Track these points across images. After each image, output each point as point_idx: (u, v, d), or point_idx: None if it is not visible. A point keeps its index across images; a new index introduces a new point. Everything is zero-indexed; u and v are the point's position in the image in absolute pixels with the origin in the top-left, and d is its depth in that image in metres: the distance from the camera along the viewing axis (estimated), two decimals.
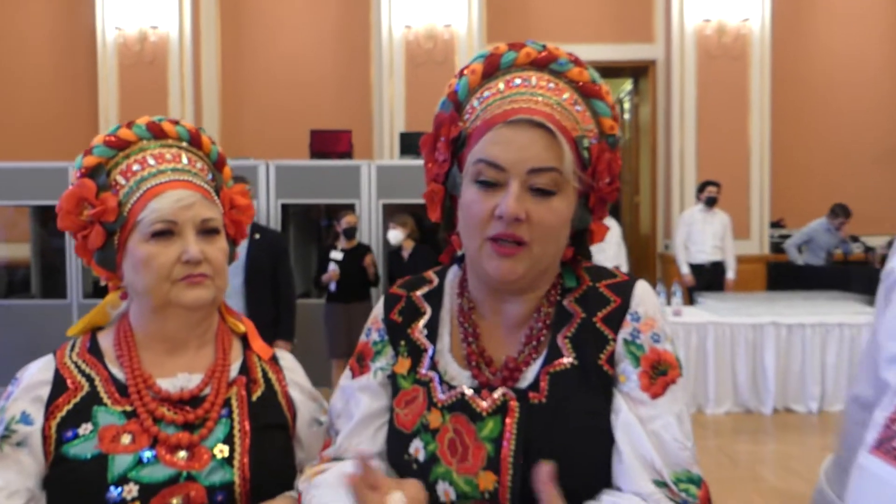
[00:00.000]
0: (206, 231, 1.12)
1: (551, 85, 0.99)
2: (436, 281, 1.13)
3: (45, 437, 1.05)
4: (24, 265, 6.98)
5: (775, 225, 8.11)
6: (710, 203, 6.83)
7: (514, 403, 0.96)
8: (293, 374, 1.25)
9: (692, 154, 7.76)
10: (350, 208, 6.13)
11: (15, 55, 7.98)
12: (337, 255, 5.53)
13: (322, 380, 5.66)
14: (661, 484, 0.91)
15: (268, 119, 8.11)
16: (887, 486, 0.70)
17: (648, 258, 8.53)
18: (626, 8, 8.14)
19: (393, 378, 1.06)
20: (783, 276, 7.57)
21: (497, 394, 0.97)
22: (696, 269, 6.87)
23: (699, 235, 6.86)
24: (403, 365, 1.05)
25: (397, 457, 1.01)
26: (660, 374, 0.97)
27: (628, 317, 1.00)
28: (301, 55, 8.14)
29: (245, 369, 1.18)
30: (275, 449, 1.14)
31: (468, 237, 0.99)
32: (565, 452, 0.92)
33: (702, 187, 6.92)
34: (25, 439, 1.04)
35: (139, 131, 1.15)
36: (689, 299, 6.73)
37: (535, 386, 0.97)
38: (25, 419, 1.05)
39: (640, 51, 8.18)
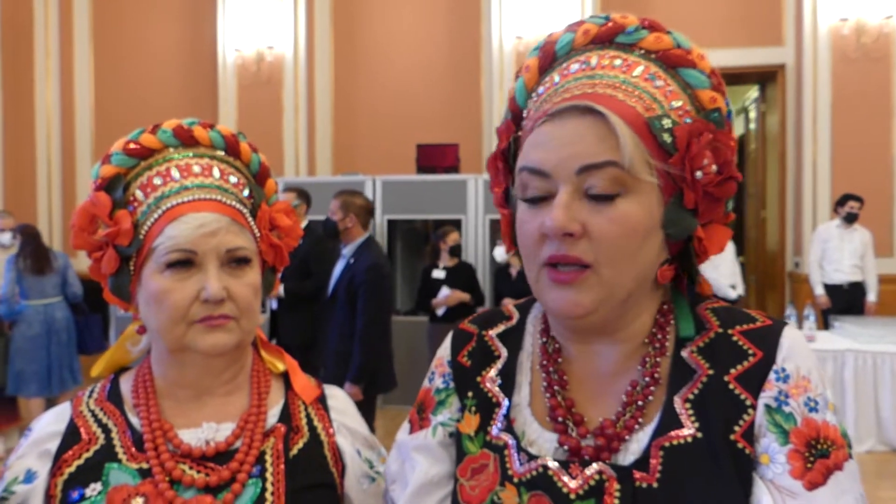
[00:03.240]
0: (233, 262, 0.94)
1: (617, 62, 0.80)
2: (515, 316, 0.92)
3: (49, 497, 0.91)
4: None
5: None
6: (851, 220, 6.23)
7: (613, 485, 0.73)
8: (343, 416, 1.06)
9: (826, 165, 7.13)
10: (456, 224, 6.02)
11: (144, 77, 8.43)
12: (439, 273, 5.42)
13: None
14: None
15: (378, 134, 8.15)
16: None
17: (776, 277, 7.92)
18: (753, 8, 7.62)
19: (458, 439, 0.85)
20: None
21: (591, 470, 0.75)
22: (831, 289, 6.27)
23: (836, 253, 6.27)
24: (470, 423, 0.84)
25: None
26: (819, 455, 0.72)
27: (772, 375, 0.75)
28: (411, 70, 8.14)
29: (286, 415, 1.01)
30: None
31: (526, 266, 0.80)
32: None
33: (842, 201, 6.33)
34: (25, 501, 0.90)
35: (165, 137, 0.98)
36: (824, 323, 6.16)
37: (642, 463, 0.74)
38: (28, 478, 0.92)
39: (768, 55, 7.63)
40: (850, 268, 6.26)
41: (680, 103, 0.78)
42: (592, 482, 0.74)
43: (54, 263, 5.60)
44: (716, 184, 0.76)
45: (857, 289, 6.27)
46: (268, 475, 0.94)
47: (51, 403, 5.71)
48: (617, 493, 0.73)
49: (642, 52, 0.81)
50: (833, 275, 6.29)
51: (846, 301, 6.23)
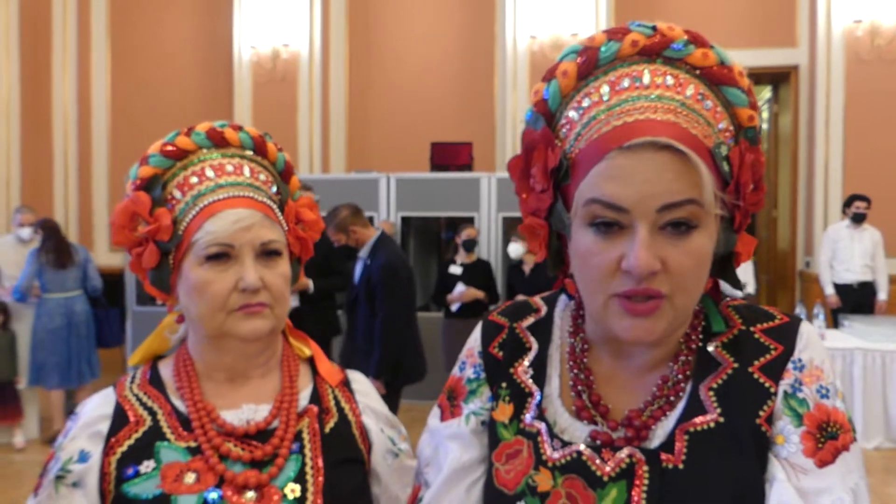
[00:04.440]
0: (267, 254, 1.02)
1: (669, 80, 0.78)
2: (544, 310, 0.95)
3: (104, 475, 0.98)
4: None
5: None
6: (858, 220, 6.27)
7: (642, 467, 0.78)
8: (367, 398, 1.14)
9: (838, 166, 7.15)
10: (469, 221, 6.08)
11: (161, 75, 8.53)
12: (456, 269, 5.48)
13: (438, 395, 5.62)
14: None
15: (392, 133, 8.22)
16: None
17: (787, 276, 7.95)
18: (766, 9, 7.65)
19: (492, 426, 0.90)
20: None
21: (622, 454, 0.80)
22: (842, 289, 6.31)
23: (846, 253, 6.30)
24: (504, 412, 0.89)
25: None
26: (829, 437, 0.78)
27: (790, 365, 0.81)
28: (426, 69, 8.21)
29: (316, 397, 1.08)
30: (350, 487, 1.04)
31: (588, 292, 0.80)
32: None
33: (849, 202, 6.37)
34: (81, 479, 0.97)
35: (198, 139, 1.05)
36: (834, 322, 6.20)
37: (668, 446, 0.79)
38: (83, 457, 0.99)
39: (781, 56, 7.65)
40: (861, 267, 6.30)
41: (724, 124, 0.80)
42: (623, 465, 0.79)
43: (76, 257, 5.70)
44: (754, 202, 0.80)
45: (867, 288, 6.31)
46: (306, 451, 1.01)
47: (70, 396, 5.81)
48: (646, 475, 0.78)
49: (688, 67, 0.79)
50: (843, 274, 6.32)
51: (856, 300, 6.27)
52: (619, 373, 0.86)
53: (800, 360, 0.81)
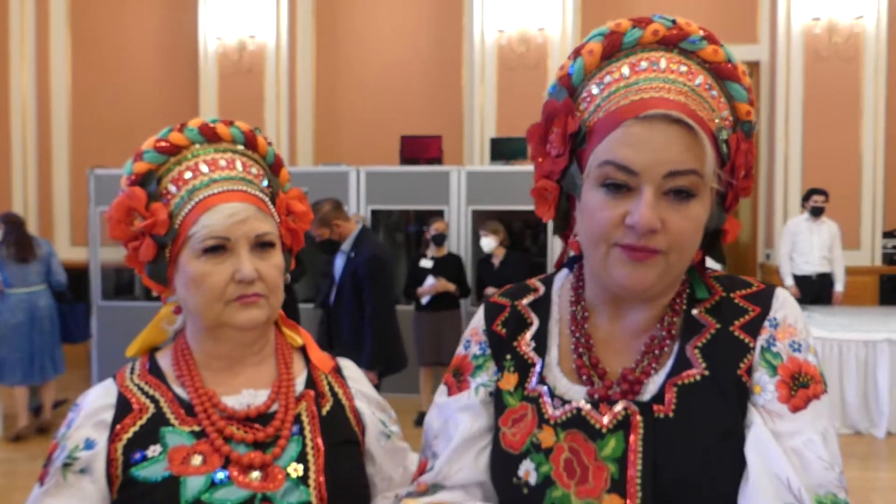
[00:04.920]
0: (261, 245, 1.05)
1: (683, 68, 0.88)
2: (541, 289, 1.03)
3: (111, 461, 1.00)
4: (130, 268, 7.28)
5: (888, 235, 7.59)
6: (816, 213, 6.47)
7: (637, 418, 0.86)
8: (358, 384, 1.18)
9: (797, 160, 7.35)
10: (439, 214, 6.11)
11: (123, 66, 8.38)
12: (427, 262, 5.52)
13: (411, 387, 5.66)
14: None
15: (360, 125, 8.21)
16: None
17: (748, 268, 8.15)
18: (729, 7, 7.80)
19: (498, 395, 0.97)
20: None
21: (618, 407, 0.88)
22: (801, 280, 6.50)
23: (805, 245, 6.50)
24: (510, 381, 0.96)
25: (504, 481, 0.92)
26: (801, 385, 0.86)
27: (766, 323, 0.89)
28: (394, 62, 8.20)
29: (311, 383, 1.13)
30: (348, 466, 1.08)
31: (591, 245, 0.88)
32: (697, 475, 0.83)
33: (807, 196, 6.56)
34: (88, 465, 1.00)
35: (191, 135, 1.07)
36: None
37: (659, 398, 0.87)
38: (89, 445, 1.01)
39: (743, 52, 7.81)
40: (819, 259, 6.49)
41: (726, 113, 0.89)
42: (620, 417, 0.87)
43: (38, 251, 5.59)
44: (744, 186, 0.90)
45: (826, 280, 6.51)
46: (306, 432, 1.06)
47: (34, 392, 5.71)
48: (641, 425, 0.86)
49: (699, 60, 0.89)
50: (802, 266, 6.52)
51: (815, 291, 6.46)
52: (614, 337, 0.94)
53: (774, 318, 0.89)
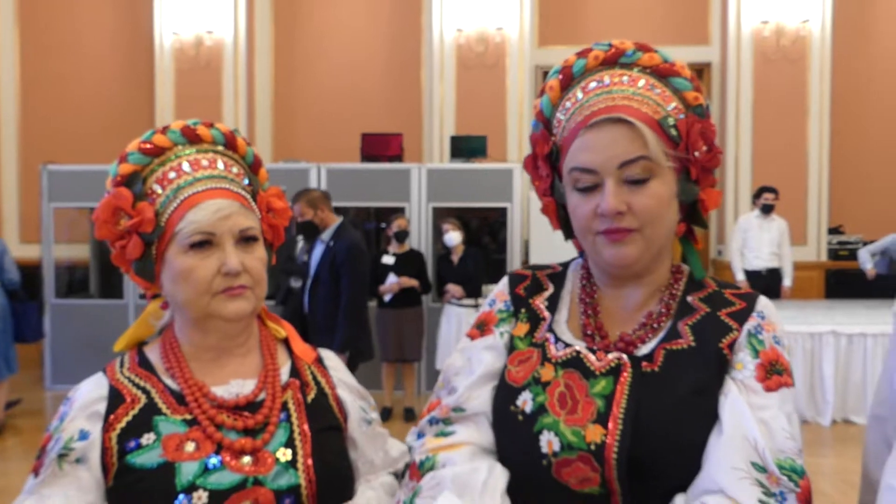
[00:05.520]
0: (245, 240, 1.10)
1: (625, 79, 1.03)
2: (559, 268, 1.19)
3: (105, 450, 1.04)
4: (84, 265, 7.17)
5: (834, 231, 7.88)
6: (767, 210, 6.69)
7: (627, 367, 1.00)
8: (339, 373, 1.24)
9: (747, 158, 7.58)
10: (400, 211, 6.15)
11: (76, 60, 8.21)
12: (388, 259, 5.54)
13: (373, 383, 5.68)
14: (759, 468, 0.91)
15: (320, 122, 8.19)
16: None
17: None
18: (681, 9, 8.00)
19: (510, 340, 1.11)
20: (841, 283, 7.36)
21: (612, 356, 1.02)
22: (751, 275, 6.71)
23: (755, 242, 6.72)
24: (522, 329, 1.11)
25: (503, 409, 1.04)
26: (775, 372, 0.99)
27: (754, 314, 1.03)
28: (353, 59, 8.20)
29: (296, 372, 1.18)
30: (334, 450, 1.14)
31: (581, 237, 1.06)
32: (671, 422, 0.96)
33: (758, 193, 6.78)
34: (84, 455, 1.03)
35: (174, 137, 1.12)
36: None
37: (649, 357, 1.01)
38: (83, 435, 1.04)
39: (695, 53, 8.02)
40: (768, 255, 6.72)
41: (674, 104, 1.03)
42: (612, 364, 1.01)
43: None
44: (707, 159, 1.03)
45: (775, 274, 6.73)
46: (293, 419, 1.11)
47: None
48: (629, 374, 1.00)
49: (640, 68, 1.04)
50: (753, 261, 6.73)
51: (764, 286, 6.65)
52: (617, 311, 1.09)
53: (762, 312, 1.04)
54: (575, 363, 1.03)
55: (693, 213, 1.08)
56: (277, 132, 8.27)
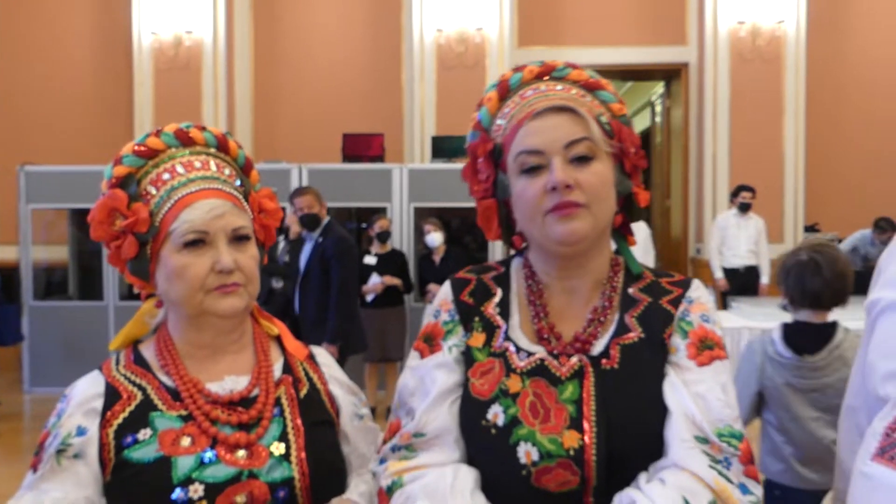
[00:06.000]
0: (237, 238, 1.13)
1: (559, 87, 1.12)
2: (501, 269, 1.21)
3: (103, 445, 1.07)
4: (62, 267, 7.11)
5: (809, 229, 7.99)
6: (744, 209, 6.79)
7: (588, 368, 1.04)
8: (331, 370, 1.27)
9: (725, 158, 7.68)
10: (381, 212, 6.16)
11: (53, 60, 8.13)
12: (371, 259, 5.56)
13: (356, 382, 5.68)
14: (702, 440, 0.98)
15: (300, 123, 8.17)
16: (891, 490, 0.80)
17: (680, 262, 8.46)
18: (659, 10, 8.08)
19: (467, 352, 1.12)
20: None
21: (573, 360, 1.06)
22: (729, 273, 6.81)
23: (733, 240, 6.81)
24: (478, 339, 1.12)
25: (473, 424, 1.06)
26: (706, 347, 1.05)
27: (684, 300, 1.10)
28: (333, 59, 8.19)
29: (288, 369, 1.21)
30: (326, 444, 1.16)
31: (529, 220, 1.09)
32: (638, 416, 1.01)
33: (736, 192, 6.87)
34: (82, 450, 1.06)
35: (168, 139, 1.15)
36: (723, 304, 6.67)
37: (605, 354, 1.06)
38: (81, 431, 1.07)
39: (673, 53, 8.11)
40: (746, 253, 6.81)
41: (602, 111, 1.12)
42: (575, 368, 1.05)
43: None
44: (637, 158, 1.13)
45: (752, 272, 6.83)
46: (286, 414, 1.14)
47: None
48: (592, 374, 1.04)
49: (570, 81, 1.14)
50: (731, 259, 6.83)
51: (742, 283, 6.77)
52: (565, 308, 1.13)
53: (690, 297, 1.11)
54: (540, 371, 1.06)
55: (628, 206, 1.15)
56: (258, 132, 8.25)
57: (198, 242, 1.09)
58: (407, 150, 7.90)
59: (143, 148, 1.14)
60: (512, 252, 1.24)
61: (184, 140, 1.16)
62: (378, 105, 8.10)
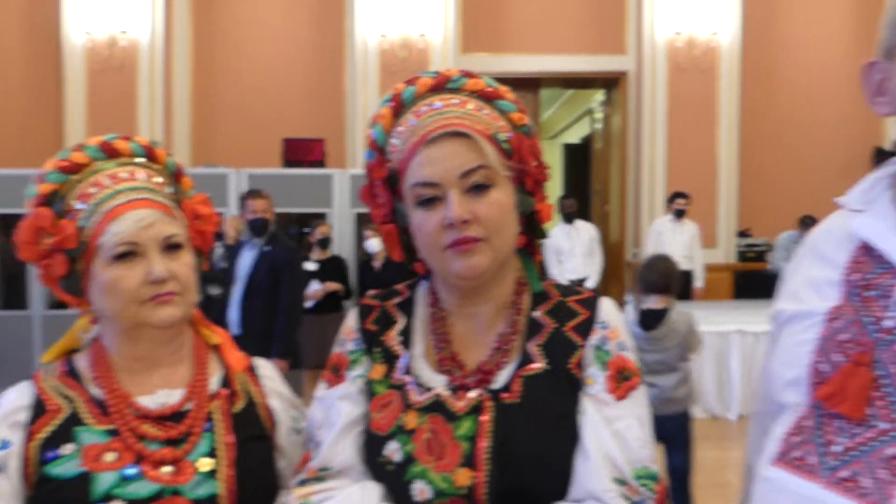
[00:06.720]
0: (170, 247, 1.11)
1: (455, 101, 1.06)
2: (407, 293, 1.17)
3: (26, 460, 1.04)
4: None
5: (742, 234, 8.25)
6: (679, 215, 6.96)
7: (488, 403, 1.01)
8: (272, 382, 1.25)
9: (662, 164, 7.86)
10: (322, 217, 6.12)
11: None
12: (311, 265, 5.52)
13: (295, 391, 5.63)
14: (620, 482, 0.97)
15: (240, 127, 8.05)
16: (790, 493, 0.82)
17: (618, 267, 8.61)
18: (599, 20, 8.23)
19: (368, 384, 1.09)
20: (749, 284, 7.70)
21: (472, 394, 1.03)
22: None
23: (668, 245, 6.94)
24: (378, 371, 1.09)
25: (372, 459, 1.04)
26: (624, 378, 1.04)
27: (597, 325, 1.07)
28: (274, 62, 8.10)
29: (226, 382, 1.19)
30: (258, 460, 1.15)
31: (429, 254, 1.05)
32: (536, 451, 0.99)
33: (671, 199, 7.04)
34: (3, 464, 1.04)
35: (91, 153, 1.13)
36: None
37: (507, 388, 1.03)
38: (4, 445, 1.05)
39: (612, 62, 8.27)
40: (681, 258, 6.92)
41: (502, 123, 1.07)
42: (474, 402, 1.02)
43: None
44: (538, 172, 1.09)
45: (687, 277, 6.97)
46: (217, 429, 1.12)
47: None
48: (491, 409, 1.01)
49: (467, 92, 1.08)
50: None
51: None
52: (469, 335, 1.10)
53: (604, 322, 1.08)
54: (437, 407, 1.03)
55: (531, 225, 1.12)
56: (196, 136, 8.10)
57: (128, 254, 1.07)
58: (349, 155, 7.86)
59: (66, 163, 1.11)
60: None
61: (108, 152, 1.13)
62: (320, 110, 8.04)
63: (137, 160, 1.16)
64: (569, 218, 6.93)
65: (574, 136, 13.55)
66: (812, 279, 0.96)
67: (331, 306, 5.56)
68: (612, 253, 8.84)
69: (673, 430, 3.38)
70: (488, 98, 1.08)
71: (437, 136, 1.01)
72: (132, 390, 1.12)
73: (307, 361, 5.51)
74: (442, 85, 1.08)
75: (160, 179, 1.16)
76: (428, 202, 1.02)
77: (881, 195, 0.92)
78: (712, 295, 7.29)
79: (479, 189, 1.01)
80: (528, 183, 1.08)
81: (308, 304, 5.47)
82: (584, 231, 6.96)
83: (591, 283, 6.78)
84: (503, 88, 1.10)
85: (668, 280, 3.50)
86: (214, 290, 4.98)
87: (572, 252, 6.81)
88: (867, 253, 0.90)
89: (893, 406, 0.79)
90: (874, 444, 0.78)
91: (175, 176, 1.21)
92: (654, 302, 3.45)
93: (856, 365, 0.83)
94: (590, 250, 6.88)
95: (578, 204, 7.40)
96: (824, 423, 0.83)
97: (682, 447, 3.49)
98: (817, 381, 0.86)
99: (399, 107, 1.08)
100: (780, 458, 0.86)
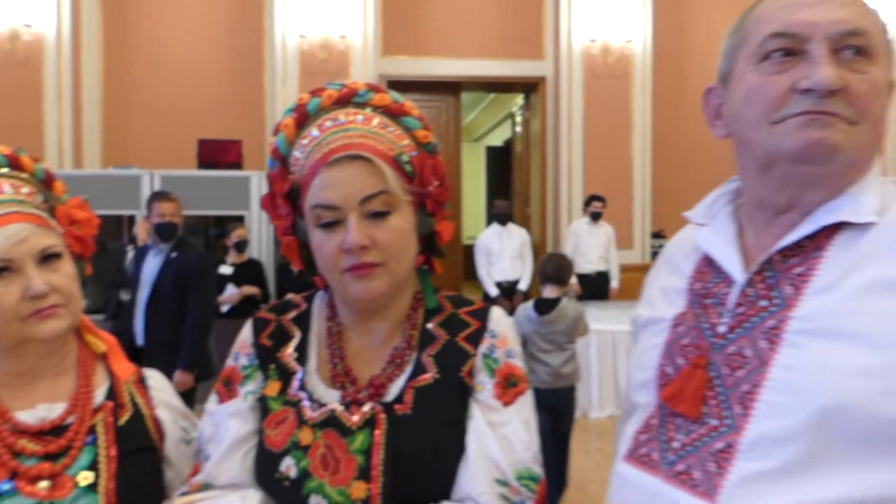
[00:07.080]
0: (47, 258, 1.08)
1: (360, 118, 1.07)
2: (304, 305, 1.18)
3: None
4: None
5: (656, 235, 8.53)
6: (595, 218, 7.15)
7: (381, 416, 1.03)
8: (161, 393, 1.24)
9: (579, 167, 8.06)
10: (239, 220, 6.01)
11: None
12: (227, 269, 5.41)
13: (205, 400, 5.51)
14: (502, 483, 1.00)
15: (154, 127, 7.81)
16: (636, 487, 0.89)
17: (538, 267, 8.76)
18: (518, 26, 8.37)
19: (263, 401, 1.09)
20: None
21: (365, 408, 1.04)
22: (582, 278, 7.13)
23: (586, 246, 7.14)
24: (273, 388, 1.09)
25: (267, 476, 1.04)
26: (511, 385, 1.07)
27: (486, 335, 1.10)
28: (191, 60, 7.89)
29: (112, 394, 1.17)
30: (143, 472, 1.13)
31: (328, 274, 1.07)
32: (429, 460, 1.01)
33: (588, 202, 7.23)
34: None
35: None
36: None
37: (399, 399, 1.05)
38: None
39: (531, 67, 8.41)
40: (597, 259, 7.17)
41: (406, 141, 1.09)
42: (367, 416, 1.03)
43: None
44: (440, 193, 1.10)
45: (603, 277, 7.20)
46: (100, 442, 1.10)
47: None
48: (384, 422, 1.02)
49: (372, 107, 1.09)
50: (583, 265, 7.15)
51: (594, 288, 7.12)
52: (364, 350, 1.11)
53: (493, 331, 1.11)
54: (331, 422, 1.04)
55: (430, 245, 1.13)
56: (107, 136, 7.81)
57: (3, 271, 1.04)
58: (267, 157, 7.72)
59: None
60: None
61: None
62: (238, 110, 7.89)
63: (1, 171, 1.12)
64: (502, 220, 7.00)
65: (497, 138, 13.74)
66: (663, 287, 1.03)
67: (247, 311, 5.45)
68: (535, 255, 8.99)
69: (563, 401, 3.96)
70: (393, 114, 1.09)
71: (339, 157, 1.01)
72: (11, 405, 1.09)
73: (220, 369, 5.41)
74: (348, 98, 1.08)
75: (28, 189, 1.13)
76: (328, 225, 1.02)
77: (721, 210, 1.01)
78: (629, 295, 7.47)
79: (379, 215, 1.02)
80: (428, 205, 1.09)
81: (223, 308, 5.37)
82: (516, 234, 7.06)
83: (523, 286, 6.89)
84: (408, 104, 1.11)
85: (561, 273, 4.03)
86: (125, 296, 4.82)
87: (502, 254, 6.90)
88: (709, 264, 0.97)
89: (724, 405, 0.86)
90: (706, 439, 0.86)
91: (45, 183, 1.17)
92: (549, 291, 3.98)
93: (693, 367, 0.90)
94: (520, 253, 6.97)
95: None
96: (667, 421, 0.91)
97: (569, 415, 4.00)
98: (663, 382, 0.93)
99: (303, 118, 1.08)
100: (630, 454, 0.93)
